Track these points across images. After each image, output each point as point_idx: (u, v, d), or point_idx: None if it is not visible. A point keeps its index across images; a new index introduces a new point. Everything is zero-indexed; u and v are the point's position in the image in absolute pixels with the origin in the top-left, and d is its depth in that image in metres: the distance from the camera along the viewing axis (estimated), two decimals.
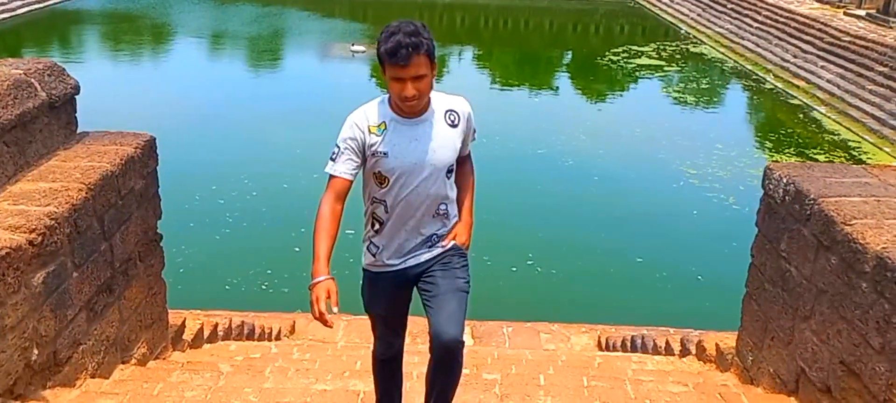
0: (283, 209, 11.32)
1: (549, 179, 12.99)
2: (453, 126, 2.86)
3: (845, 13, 23.23)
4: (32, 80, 2.74)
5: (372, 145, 2.77)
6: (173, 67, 22.17)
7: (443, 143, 2.82)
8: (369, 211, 2.93)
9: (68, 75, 2.96)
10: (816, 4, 25.13)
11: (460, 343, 2.83)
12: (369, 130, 2.78)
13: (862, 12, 22.65)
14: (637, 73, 22.59)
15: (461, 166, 3.07)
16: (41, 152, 2.79)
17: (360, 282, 3.10)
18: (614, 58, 24.25)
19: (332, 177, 2.80)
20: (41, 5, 27.66)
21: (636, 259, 10.36)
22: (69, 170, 2.71)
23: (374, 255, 2.96)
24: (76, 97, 2.98)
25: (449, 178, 2.91)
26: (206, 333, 4.33)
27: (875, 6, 22.34)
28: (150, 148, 3.11)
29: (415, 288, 3.01)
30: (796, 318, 2.95)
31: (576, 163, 14.06)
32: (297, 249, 9.90)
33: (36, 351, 2.28)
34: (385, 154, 2.76)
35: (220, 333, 4.62)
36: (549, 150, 14.35)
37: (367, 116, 2.80)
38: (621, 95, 21.30)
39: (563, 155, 14.38)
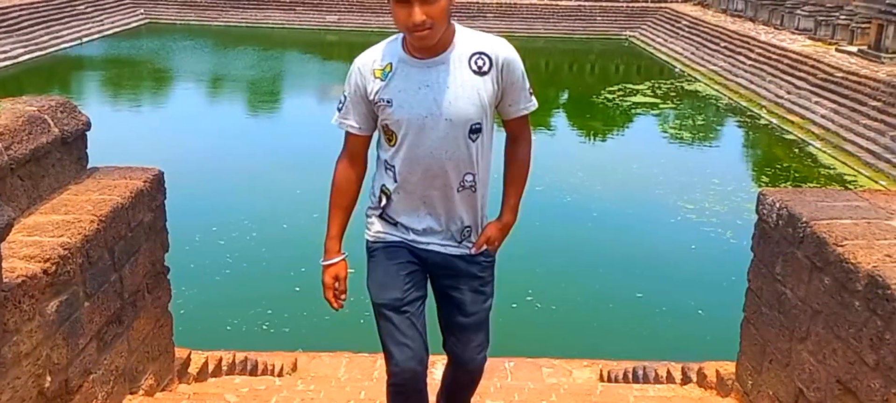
0: (283, 249, 11.37)
1: (548, 216, 13.07)
2: (480, 73, 2.25)
3: (837, 50, 23.54)
4: (46, 117, 2.84)
5: (375, 91, 2.27)
6: (173, 111, 22.37)
7: (463, 93, 2.23)
8: (377, 181, 2.43)
9: (80, 112, 3.05)
10: (808, 42, 25.48)
11: (482, 368, 2.61)
12: (373, 74, 2.28)
13: (853, 49, 22.95)
14: (633, 111, 22.81)
15: (513, 145, 2.46)
16: (54, 186, 2.87)
17: (364, 275, 2.57)
18: (610, 96, 24.50)
19: (347, 134, 2.39)
20: (43, 52, 27.96)
21: (636, 294, 10.39)
22: (81, 202, 2.79)
23: (392, 224, 2.43)
24: (87, 133, 3.07)
25: (474, 141, 2.29)
26: (211, 368, 4.37)
27: (866, 42, 22.65)
28: (158, 182, 3.19)
29: (431, 280, 2.53)
30: (793, 340, 3.00)
31: (574, 199, 14.16)
32: (297, 289, 9.93)
33: (49, 379, 2.34)
34: (388, 102, 2.25)
35: (225, 368, 4.66)
36: (547, 187, 14.45)
37: (373, 57, 2.31)
38: (618, 133, 21.48)
39: (561, 192, 14.48)
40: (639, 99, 24.02)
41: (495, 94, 2.30)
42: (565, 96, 27.28)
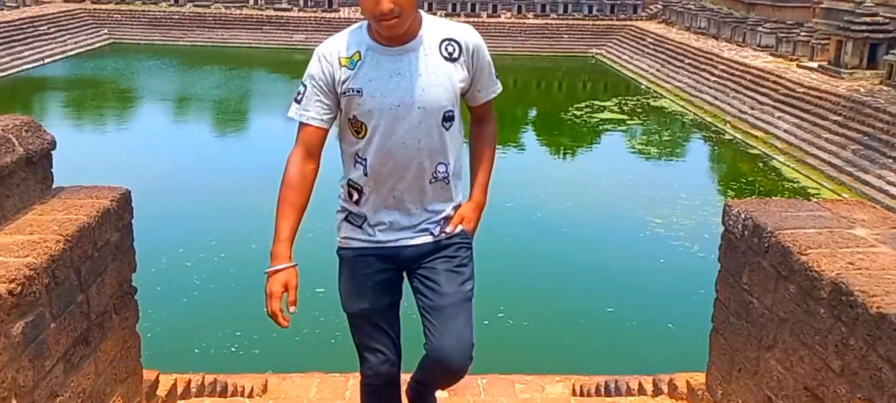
0: (251, 270, 11.24)
1: (519, 232, 13.12)
2: (451, 59, 2.21)
3: (798, 66, 24.07)
4: (10, 136, 2.79)
5: (343, 81, 2.17)
6: (139, 131, 22.13)
7: (436, 80, 2.18)
8: (345, 176, 2.33)
9: (45, 131, 3.01)
10: (770, 58, 26.01)
11: (466, 367, 2.29)
12: (340, 62, 2.18)
13: (814, 65, 23.49)
14: (600, 127, 23.07)
15: (479, 126, 2.42)
16: (18, 206, 2.82)
17: (336, 278, 2.43)
18: (578, 112, 24.76)
19: (300, 125, 2.22)
20: (4, 74, 27.51)
21: (607, 308, 10.48)
22: (46, 222, 2.74)
23: (358, 227, 2.33)
24: (52, 152, 3.03)
25: (447, 129, 2.24)
26: (180, 390, 4.30)
27: (826, 58, 23.19)
28: (125, 200, 3.15)
29: (405, 278, 2.40)
30: (761, 348, 3.05)
31: (544, 215, 14.25)
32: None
33: (14, 402, 2.29)
34: (358, 92, 2.16)
35: (194, 390, 4.59)
36: (517, 204, 14.51)
37: (338, 46, 2.21)
38: (586, 149, 21.71)
39: (531, 208, 14.56)
40: (606, 115, 24.31)
41: (466, 80, 2.25)
42: (534, 113, 27.52)
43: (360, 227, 2.33)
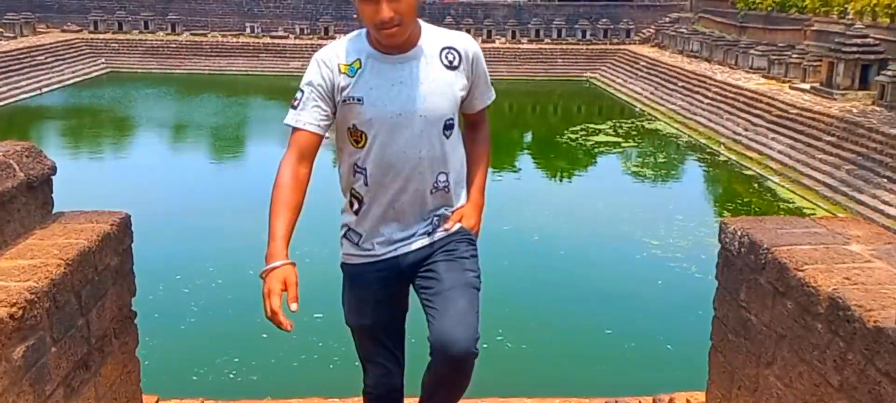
0: (249, 296, 11.18)
1: (516, 255, 13.13)
2: (452, 67, 2.20)
3: (791, 87, 24.23)
4: (11, 162, 2.81)
5: (343, 88, 2.13)
6: (136, 159, 22.17)
7: (437, 88, 2.16)
8: (346, 186, 2.29)
9: (46, 156, 3.03)
10: (762, 80, 26.19)
11: (472, 354, 2.15)
12: (340, 69, 2.14)
13: (806, 86, 23.65)
14: (596, 150, 23.16)
15: (473, 130, 2.41)
16: (19, 231, 2.83)
17: (340, 291, 2.39)
18: (573, 136, 24.87)
19: (293, 130, 2.16)
20: (2, 104, 27.57)
21: (606, 330, 10.47)
22: (47, 247, 2.76)
23: (355, 243, 2.30)
24: (53, 178, 3.04)
25: (448, 137, 2.22)
26: None
27: (818, 80, 23.36)
28: (125, 225, 3.16)
29: (411, 286, 2.35)
30: (760, 365, 3.06)
31: (541, 238, 14.26)
32: (264, 336, 9.80)
33: None
34: (359, 100, 2.12)
35: None
36: (514, 227, 14.53)
37: (336, 53, 2.17)
38: (582, 172, 21.78)
39: (529, 230, 14.58)
40: (601, 138, 24.42)
41: (465, 88, 2.24)
42: (529, 137, 27.62)
43: (358, 244, 2.29)
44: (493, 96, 2.40)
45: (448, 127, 2.21)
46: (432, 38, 2.20)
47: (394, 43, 2.11)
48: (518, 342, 10.08)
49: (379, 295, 2.29)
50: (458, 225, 2.30)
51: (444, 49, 2.20)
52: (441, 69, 2.18)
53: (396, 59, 2.14)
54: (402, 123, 2.13)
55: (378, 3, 2.02)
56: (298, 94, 2.17)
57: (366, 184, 2.20)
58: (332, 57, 2.16)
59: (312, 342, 9.19)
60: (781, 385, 2.88)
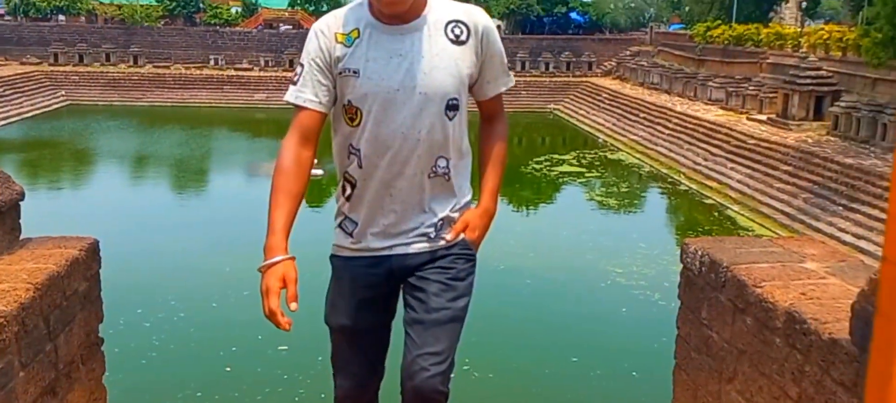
0: (212, 329, 11.10)
1: (482, 285, 13.02)
2: (458, 42, 1.99)
3: (748, 118, 24.84)
4: None
5: (339, 59, 1.97)
6: (96, 192, 21.84)
7: (440, 63, 1.96)
8: (340, 170, 2.10)
9: (14, 182, 3.02)
10: (721, 111, 26.80)
11: (441, 393, 2.05)
12: (336, 38, 1.98)
13: (763, 117, 24.26)
14: (560, 181, 23.43)
15: (488, 124, 2.19)
16: None
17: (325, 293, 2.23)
18: (538, 166, 25.13)
19: (296, 108, 2.01)
20: None
21: (571, 358, 10.53)
22: (16, 271, 2.74)
23: (349, 234, 2.10)
24: (21, 203, 3.03)
25: (451, 119, 2.01)
26: None
27: (774, 111, 23.99)
28: (93, 250, 3.15)
29: (401, 291, 2.16)
30: (722, 381, 3.14)
31: (507, 267, 14.34)
32: (228, 369, 9.70)
33: None
34: (354, 72, 1.95)
35: None
36: (480, 257, 14.56)
37: (335, 21, 2.01)
38: (547, 202, 21.99)
39: (494, 260, 14.64)
40: (565, 168, 24.72)
41: (474, 66, 2.03)
42: None
43: (351, 234, 2.11)
44: (512, 82, 2.17)
45: (451, 107, 1.99)
46: (439, 9, 2.00)
47: (395, 11, 1.93)
48: (485, 371, 10.09)
49: (364, 295, 2.12)
50: (461, 236, 2.11)
51: (450, 22, 1.99)
52: (446, 42, 1.98)
53: (397, 29, 1.95)
54: (399, 99, 1.94)
55: None
56: (298, 69, 2.02)
57: (360, 166, 2.02)
58: (331, 25, 2.01)
59: (277, 375, 9.11)
60: (743, 399, 2.96)
